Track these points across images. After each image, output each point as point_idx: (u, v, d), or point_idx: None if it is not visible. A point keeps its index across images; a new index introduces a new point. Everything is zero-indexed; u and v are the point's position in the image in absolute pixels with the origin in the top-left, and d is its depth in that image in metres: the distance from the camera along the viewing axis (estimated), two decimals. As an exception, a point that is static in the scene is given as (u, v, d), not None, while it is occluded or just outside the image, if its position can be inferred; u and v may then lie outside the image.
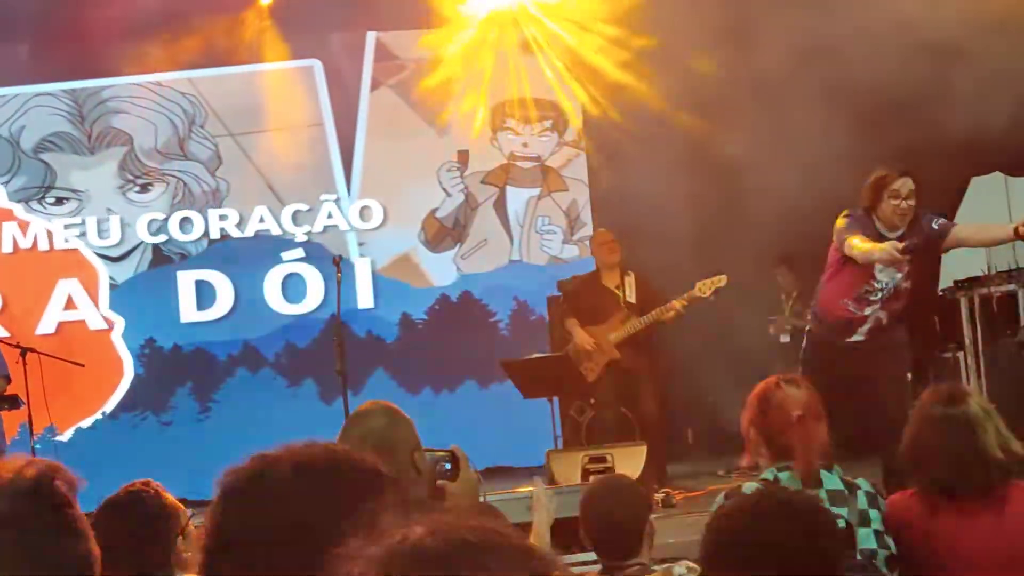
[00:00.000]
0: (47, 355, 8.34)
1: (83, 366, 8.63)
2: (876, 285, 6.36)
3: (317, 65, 10.46)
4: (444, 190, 10.57)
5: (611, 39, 9.94)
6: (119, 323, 10.07)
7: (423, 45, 10.59)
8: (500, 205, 10.64)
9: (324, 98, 10.47)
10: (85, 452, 9.27)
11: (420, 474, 3.27)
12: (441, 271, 10.54)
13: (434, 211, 10.55)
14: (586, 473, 7.85)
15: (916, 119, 8.68)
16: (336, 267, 8.21)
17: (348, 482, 1.70)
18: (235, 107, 10.37)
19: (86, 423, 9.96)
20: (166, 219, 10.22)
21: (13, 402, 8.04)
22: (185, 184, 10.30)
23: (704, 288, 8.30)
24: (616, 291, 8.67)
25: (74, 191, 10.19)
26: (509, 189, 10.67)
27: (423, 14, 10.27)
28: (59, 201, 10.16)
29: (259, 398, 10.08)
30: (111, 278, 10.15)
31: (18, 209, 10.05)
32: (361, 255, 10.37)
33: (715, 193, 9.66)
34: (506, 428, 9.57)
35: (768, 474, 3.64)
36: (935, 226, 6.31)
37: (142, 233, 10.21)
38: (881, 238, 6.19)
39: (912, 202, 6.27)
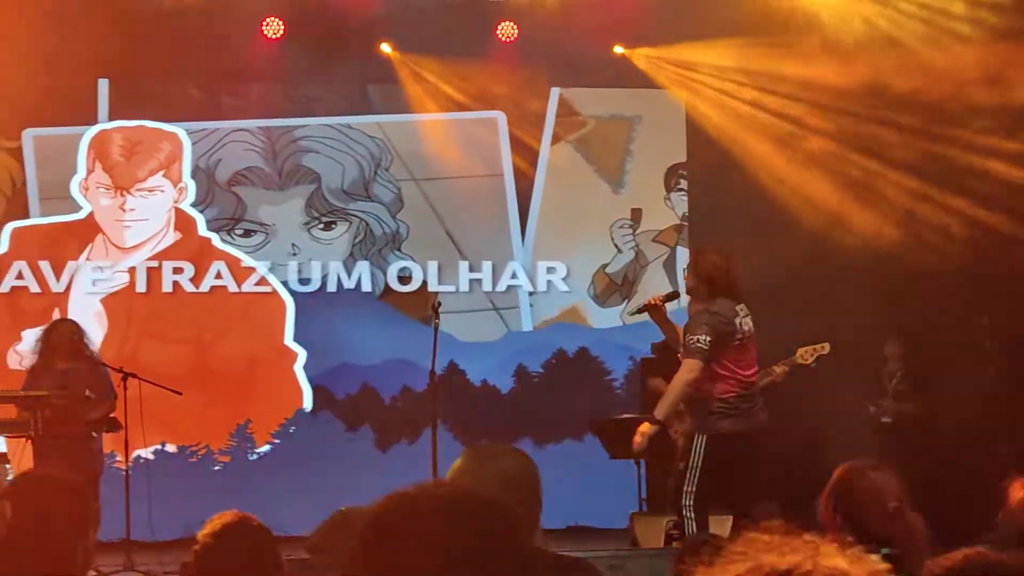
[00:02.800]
0: (147, 381, 8.56)
1: (180, 394, 8.80)
2: None
3: (501, 117, 10.75)
4: (616, 246, 10.75)
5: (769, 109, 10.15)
6: (301, 355, 10.41)
7: (605, 103, 10.85)
8: (670, 264, 10.78)
9: (505, 149, 10.75)
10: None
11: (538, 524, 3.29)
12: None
13: (604, 266, 10.75)
14: (668, 538, 7.79)
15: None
16: (434, 313, 8.16)
17: (489, 521, 1.76)
18: (419, 153, 10.70)
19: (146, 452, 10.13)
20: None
21: (113, 425, 8.40)
22: (367, 224, 10.66)
23: (806, 355, 8.10)
24: None
25: (262, 224, 10.59)
26: (679, 249, 10.80)
27: (607, 73, 10.56)
28: (247, 233, 10.57)
29: (316, 440, 10.27)
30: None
31: (215, 239, 10.49)
32: (531, 305, 10.63)
33: (823, 256, 9.70)
34: (592, 487, 9.63)
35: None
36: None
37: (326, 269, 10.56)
38: None
39: (687, 274, 7.45)
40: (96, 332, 10.05)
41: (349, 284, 10.52)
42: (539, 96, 10.74)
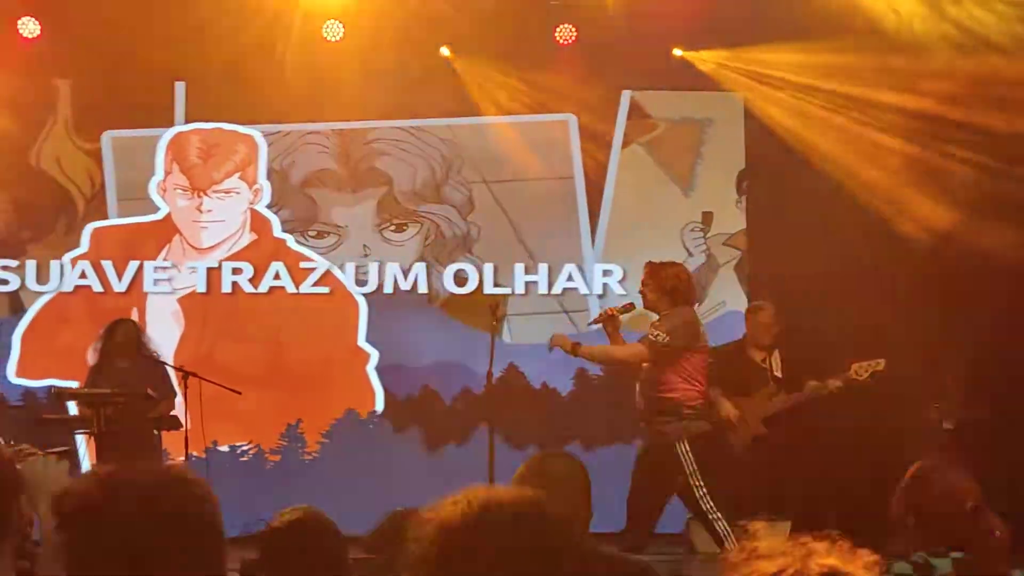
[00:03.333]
0: (206, 380, 8.69)
1: (240, 393, 8.94)
2: None
3: (572, 120, 10.77)
4: (687, 250, 10.71)
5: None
6: (373, 355, 10.46)
7: (676, 106, 10.83)
8: (741, 269, 10.73)
9: (576, 152, 10.76)
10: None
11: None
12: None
13: (675, 270, 10.70)
14: None
15: None
16: (492, 314, 8.17)
17: (552, 525, 1.82)
18: (490, 155, 10.73)
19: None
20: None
21: (173, 423, 8.56)
22: (438, 227, 10.73)
23: (861, 371, 8.18)
24: (763, 365, 8.63)
25: (335, 226, 10.69)
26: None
27: (679, 75, 10.55)
28: (320, 235, 10.68)
29: (366, 440, 10.32)
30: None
31: (289, 240, 10.60)
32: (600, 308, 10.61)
33: (888, 257, 9.61)
34: None
35: (918, 557, 3.48)
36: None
37: (395, 272, 10.62)
38: None
39: (643, 288, 7.57)
40: (173, 331, 10.26)
41: (405, 285, 10.57)
42: (606, 99, 10.72)
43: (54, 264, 10.28)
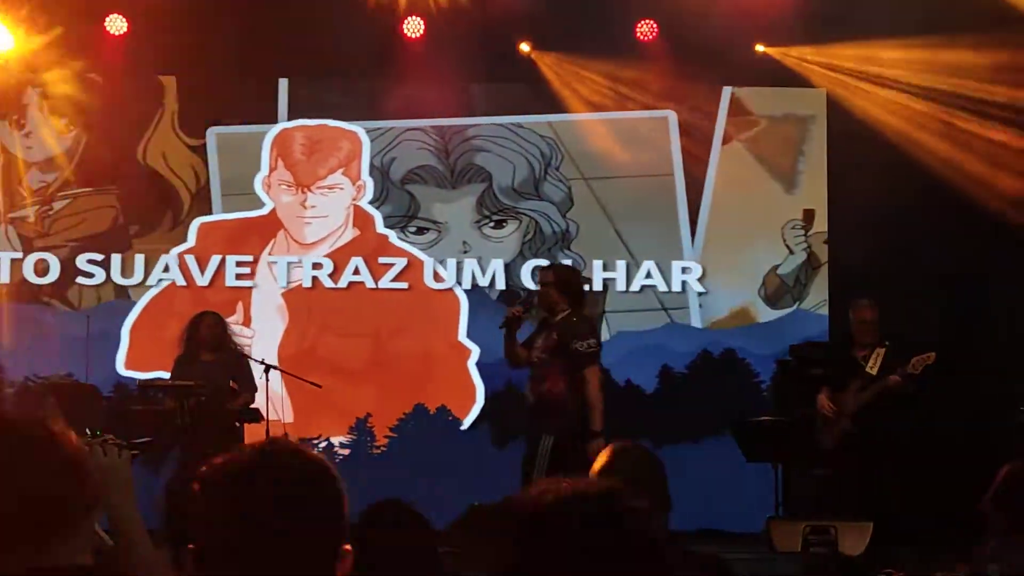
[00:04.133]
0: (288, 373, 8.84)
1: (320, 387, 9.07)
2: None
3: (672, 116, 10.71)
4: (787, 247, 10.60)
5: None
6: (475, 351, 10.50)
7: (778, 102, 10.71)
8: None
9: (676, 149, 10.70)
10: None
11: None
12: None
13: (776, 267, 10.60)
14: (806, 544, 7.77)
15: None
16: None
17: (637, 518, 1.81)
18: (589, 152, 10.70)
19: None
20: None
21: (254, 416, 8.66)
22: (537, 223, 10.74)
23: (917, 365, 8.16)
24: (861, 360, 8.55)
25: (434, 222, 10.75)
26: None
27: (780, 73, 10.44)
28: (420, 231, 10.76)
29: (432, 437, 10.34)
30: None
31: (391, 236, 10.68)
32: (700, 305, 10.56)
33: (972, 253, 9.44)
34: (728, 490, 9.53)
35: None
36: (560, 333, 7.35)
37: (494, 272, 10.64)
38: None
39: (547, 288, 7.57)
40: (277, 325, 10.42)
41: (483, 282, 10.57)
42: (699, 94, 10.64)
43: (157, 257, 10.48)
